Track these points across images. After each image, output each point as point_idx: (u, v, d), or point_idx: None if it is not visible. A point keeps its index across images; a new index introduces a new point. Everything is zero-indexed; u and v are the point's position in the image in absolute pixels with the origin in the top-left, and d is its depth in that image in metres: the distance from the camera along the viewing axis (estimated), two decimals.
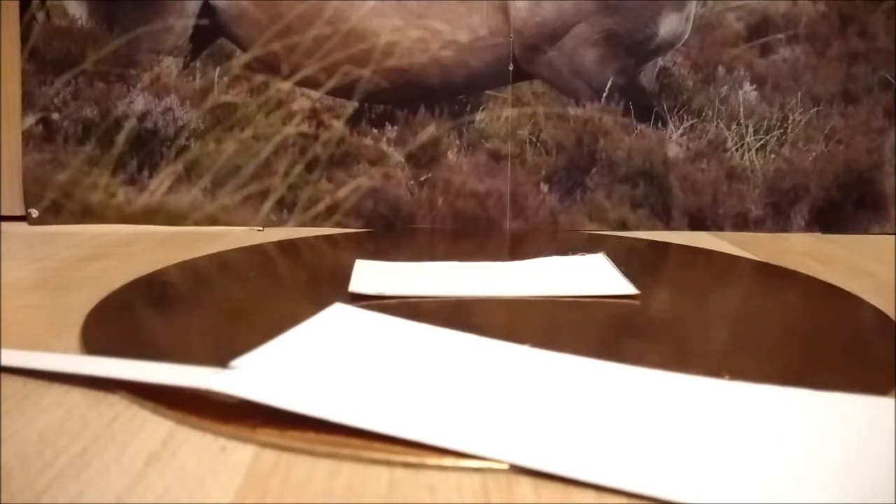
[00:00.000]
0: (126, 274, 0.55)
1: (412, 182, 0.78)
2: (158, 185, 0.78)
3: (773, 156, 0.78)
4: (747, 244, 0.71)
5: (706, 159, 0.78)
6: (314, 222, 0.78)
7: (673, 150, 0.78)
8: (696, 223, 0.79)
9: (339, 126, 0.78)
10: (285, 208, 0.78)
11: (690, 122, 0.78)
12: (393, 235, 0.76)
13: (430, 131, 0.78)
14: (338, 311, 0.42)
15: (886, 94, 0.78)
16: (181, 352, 0.39)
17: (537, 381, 0.33)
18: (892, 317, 0.46)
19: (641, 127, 0.78)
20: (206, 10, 0.77)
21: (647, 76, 0.79)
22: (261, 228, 0.78)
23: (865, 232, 0.79)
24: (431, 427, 0.28)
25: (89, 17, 0.77)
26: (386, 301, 0.48)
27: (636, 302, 0.49)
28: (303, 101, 0.78)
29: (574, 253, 0.59)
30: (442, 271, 0.56)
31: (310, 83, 0.78)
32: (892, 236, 0.77)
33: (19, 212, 0.78)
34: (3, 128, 0.78)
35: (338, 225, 0.78)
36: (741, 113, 0.78)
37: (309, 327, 0.39)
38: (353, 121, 0.78)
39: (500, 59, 0.77)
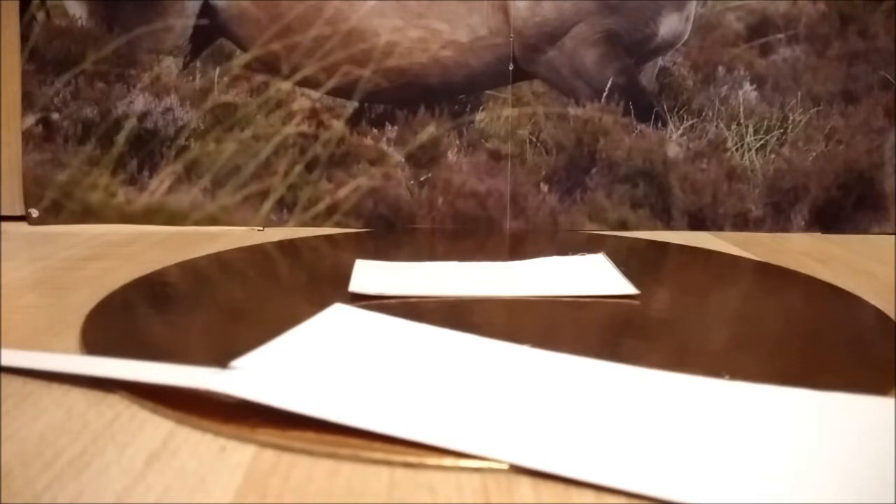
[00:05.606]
0: (126, 274, 0.55)
1: (412, 182, 0.78)
2: (158, 185, 0.78)
3: (773, 156, 0.78)
4: (747, 244, 0.71)
5: (706, 159, 0.78)
6: (314, 222, 0.78)
7: (673, 150, 0.78)
8: (696, 223, 0.79)
9: (339, 126, 0.78)
10: (285, 208, 0.78)
11: (690, 122, 0.78)
12: (393, 235, 0.76)
13: (430, 131, 0.78)
14: (338, 312, 0.42)
15: (886, 94, 0.78)
16: (181, 352, 0.39)
17: (537, 381, 0.33)
18: (892, 317, 0.46)
19: (641, 127, 0.78)
20: (206, 10, 0.77)
21: (647, 76, 0.79)
22: (261, 228, 0.78)
23: (865, 232, 0.79)
24: (431, 427, 0.28)
25: (89, 17, 0.77)
26: (386, 301, 0.48)
27: (636, 302, 0.49)
28: (303, 101, 0.78)
29: (574, 253, 0.59)
30: (442, 271, 0.56)
31: (310, 83, 0.78)
32: (892, 236, 0.77)
33: (19, 212, 0.78)
34: (3, 128, 0.78)
35: (338, 225, 0.78)
36: (741, 113, 0.78)
37: (309, 327, 0.39)
38: (353, 121, 0.78)
39: (500, 59, 0.77)
